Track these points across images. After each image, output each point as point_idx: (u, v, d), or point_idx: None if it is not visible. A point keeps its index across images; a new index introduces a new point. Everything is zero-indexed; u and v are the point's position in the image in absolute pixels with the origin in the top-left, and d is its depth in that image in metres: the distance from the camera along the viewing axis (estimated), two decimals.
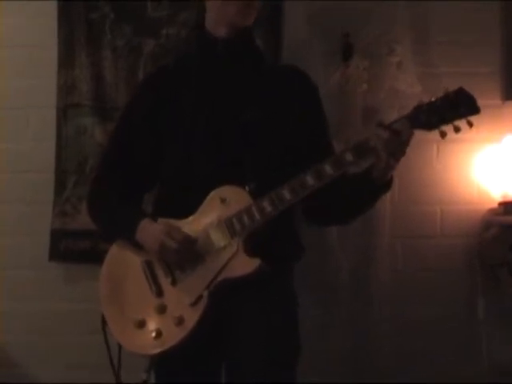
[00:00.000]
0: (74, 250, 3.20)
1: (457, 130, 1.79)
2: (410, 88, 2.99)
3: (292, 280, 2.05)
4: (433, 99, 1.80)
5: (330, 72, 3.00)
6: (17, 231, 3.26)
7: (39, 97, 3.26)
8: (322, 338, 2.93)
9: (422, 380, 2.92)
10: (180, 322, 1.88)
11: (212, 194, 1.93)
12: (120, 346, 2.02)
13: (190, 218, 1.95)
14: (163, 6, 3.19)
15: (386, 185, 1.93)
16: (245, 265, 1.86)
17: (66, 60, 3.23)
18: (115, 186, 2.09)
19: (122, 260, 2.06)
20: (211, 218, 1.92)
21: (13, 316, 3.23)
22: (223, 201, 1.91)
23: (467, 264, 3.00)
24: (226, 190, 1.92)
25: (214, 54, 2.02)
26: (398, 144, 1.80)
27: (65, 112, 3.23)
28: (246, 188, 1.89)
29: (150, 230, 1.95)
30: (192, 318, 1.87)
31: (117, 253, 2.08)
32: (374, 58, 3.02)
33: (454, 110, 1.77)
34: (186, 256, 1.91)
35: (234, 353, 1.94)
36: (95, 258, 3.13)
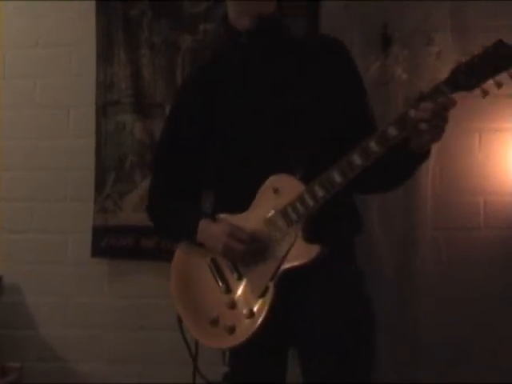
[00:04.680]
0: (115, 246, 3.24)
1: (499, 85, 1.70)
2: None
3: (355, 255, 2.03)
4: (470, 58, 1.72)
5: (368, 62, 2.98)
6: (59, 228, 3.31)
7: (79, 94, 3.31)
8: None
9: (464, 374, 2.88)
10: (251, 314, 1.90)
11: (264, 185, 1.93)
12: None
13: (246, 212, 1.96)
14: (200, 2, 3.19)
15: (425, 154, 1.88)
16: (305, 252, 1.85)
17: (104, 58, 3.27)
18: (170, 187, 2.13)
19: (188, 259, 2.08)
20: (266, 209, 1.92)
21: (56, 311, 3.29)
22: (276, 191, 1.91)
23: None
24: (278, 180, 1.91)
25: (239, 45, 2.02)
26: (440, 113, 1.75)
27: (104, 109, 3.26)
28: (297, 175, 1.88)
29: (211, 231, 1.97)
30: (261, 309, 1.89)
31: (183, 253, 2.10)
32: (414, 48, 2.99)
33: (495, 63, 1.69)
34: (251, 254, 1.92)
35: (306, 338, 1.93)
36: (137, 253, 3.20)
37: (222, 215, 2.00)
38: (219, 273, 1.99)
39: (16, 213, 3.33)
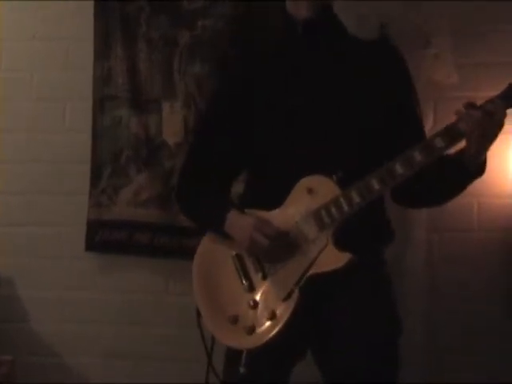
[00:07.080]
0: (109, 240, 3.24)
1: None
2: (447, 79, 2.95)
3: (384, 263, 1.99)
4: None
5: None
6: (54, 222, 3.31)
7: (76, 89, 3.30)
8: None
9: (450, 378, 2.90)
10: (272, 317, 1.85)
11: (299, 184, 1.87)
12: None
13: (278, 209, 1.91)
14: None
15: (479, 168, 1.86)
16: (335, 259, 1.81)
17: (101, 52, 3.26)
18: (203, 176, 2.06)
19: (213, 253, 2.02)
20: (299, 210, 1.87)
21: (50, 305, 3.29)
22: (310, 191, 1.85)
23: (504, 259, 2.94)
24: (313, 181, 1.85)
25: (294, 36, 1.98)
26: (490, 125, 1.72)
27: (101, 103, 3.26)
28: (334, 177, 1.82)
29: (240, 224, 1.92)
30: (284, 312, 1.84)
31: (208, 245, 2.05)
32: (411, 51, 2.97)
33: None
34: (276, 251, 1.87)
35: (334, 343, 1.90)
36: (131, 248, 3.20)
37: (250, 210, 1.94)
38: (243, 270, 1.94)
39: (11, 206, 3.32)
